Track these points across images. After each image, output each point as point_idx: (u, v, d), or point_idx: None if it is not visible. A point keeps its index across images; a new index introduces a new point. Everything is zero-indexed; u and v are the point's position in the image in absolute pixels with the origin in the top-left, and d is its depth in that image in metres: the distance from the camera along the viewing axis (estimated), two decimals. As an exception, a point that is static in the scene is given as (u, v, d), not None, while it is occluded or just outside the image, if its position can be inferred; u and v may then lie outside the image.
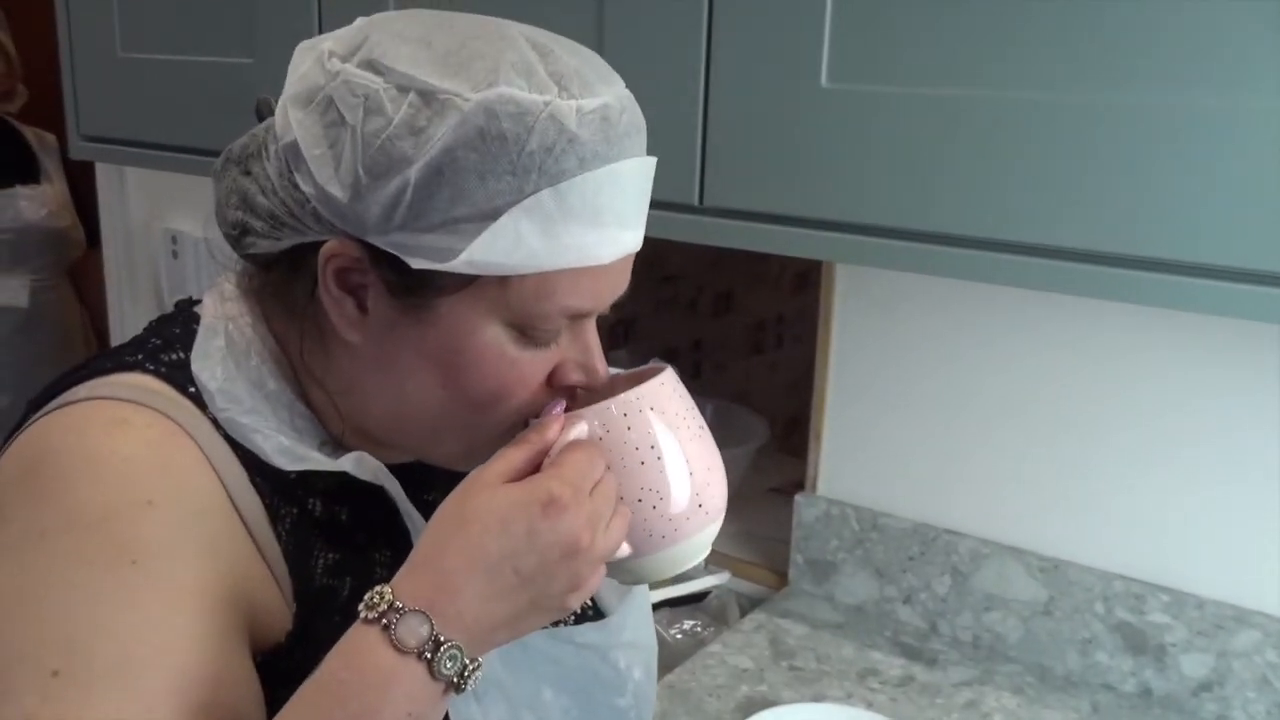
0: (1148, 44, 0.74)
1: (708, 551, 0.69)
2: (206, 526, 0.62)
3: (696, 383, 2.82)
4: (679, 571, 0.68)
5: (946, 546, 1.25)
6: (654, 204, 0.98)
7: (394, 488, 0.68)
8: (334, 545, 0.68)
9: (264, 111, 0.70)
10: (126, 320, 2.12)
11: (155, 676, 0.56)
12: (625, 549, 0.64)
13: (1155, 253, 0.76)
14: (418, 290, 0.62)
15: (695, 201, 0.95)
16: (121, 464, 0.60)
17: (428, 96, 0.59)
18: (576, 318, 0.65)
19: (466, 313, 0.63)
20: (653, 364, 0.72)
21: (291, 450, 0.65)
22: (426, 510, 0.72)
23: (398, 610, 0.56)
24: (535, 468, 0.61)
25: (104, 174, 2.06)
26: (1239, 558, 1.11)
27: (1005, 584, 1.22)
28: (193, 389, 0.66)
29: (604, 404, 0.65)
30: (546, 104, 0.59)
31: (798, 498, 1.36)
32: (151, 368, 0.66)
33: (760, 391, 3.06)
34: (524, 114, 0.58)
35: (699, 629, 1.35)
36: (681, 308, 2.85)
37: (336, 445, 0.70)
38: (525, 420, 0.67)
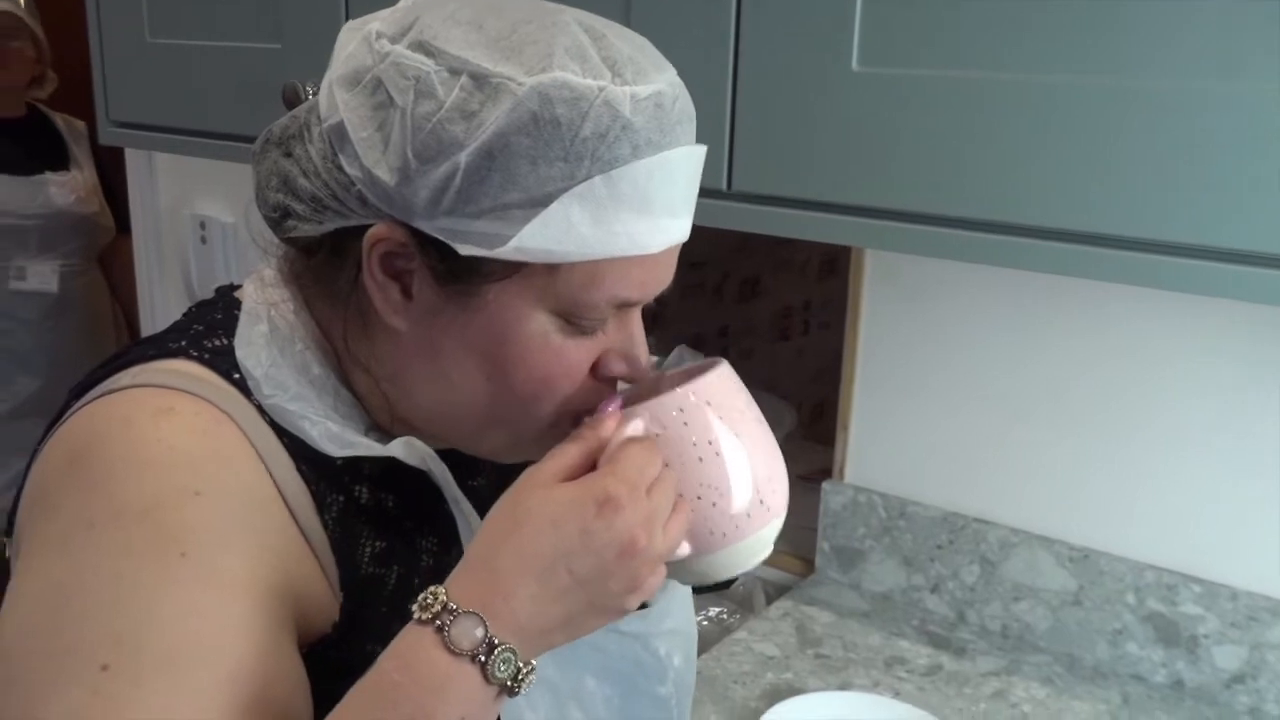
0: (1181, 28, 0.73)
1: (770, 549, 0.67)
2: (254, 517, 0.61)
3: (722, 369, 2.78)
4: (742, 571, 0.66)
5: (975, 535, 1.24)
6: (681, 189, 0.98)
7: (442, 473, 0.67)
8: (381, 533, 0.68)
9: (291, 97, 0.70)
10: (156, 305, 2.13)
11: (205, 670, 0.55)
12: (685, 548, 0.63)
13: (1188, 238, 0.75)
14: (464, 276, 0.62)
15: (724, 186, 0.94)
16: (169, 453, 0.59)
17: (480, 80, 0.58)
18: (623, 307, 0.65)
19: (513, 300, 0.62)
20: (708, 359, 0.70)
21: (339, 436, 0.65)
22: (473, 495, 0.71)
23: (451, 612, 0.55)
24: (590, 465, 0.60)
25: (133, 160, 2.07)
26: (1273, 549, 1.09)
27: (1034, 573, 1.21)
28: (236, 375, 0.65)
29: (659, 399, 0.63)
30: (601, 89, 0.58)
31: (825, 485, 1.35)
32: (195, 354, 0.65)
33: (787, 378, 3.05)
34: (579, 99, 0.58)
35: (725, 616, 1.35)
36: (708, 294, 2.84)
37: (381, 432, 0.70)
38: (571, 415, 0.66)
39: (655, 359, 2.04)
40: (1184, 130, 0.74)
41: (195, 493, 0.59)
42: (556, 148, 0.58)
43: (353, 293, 0.66)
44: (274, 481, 0.63)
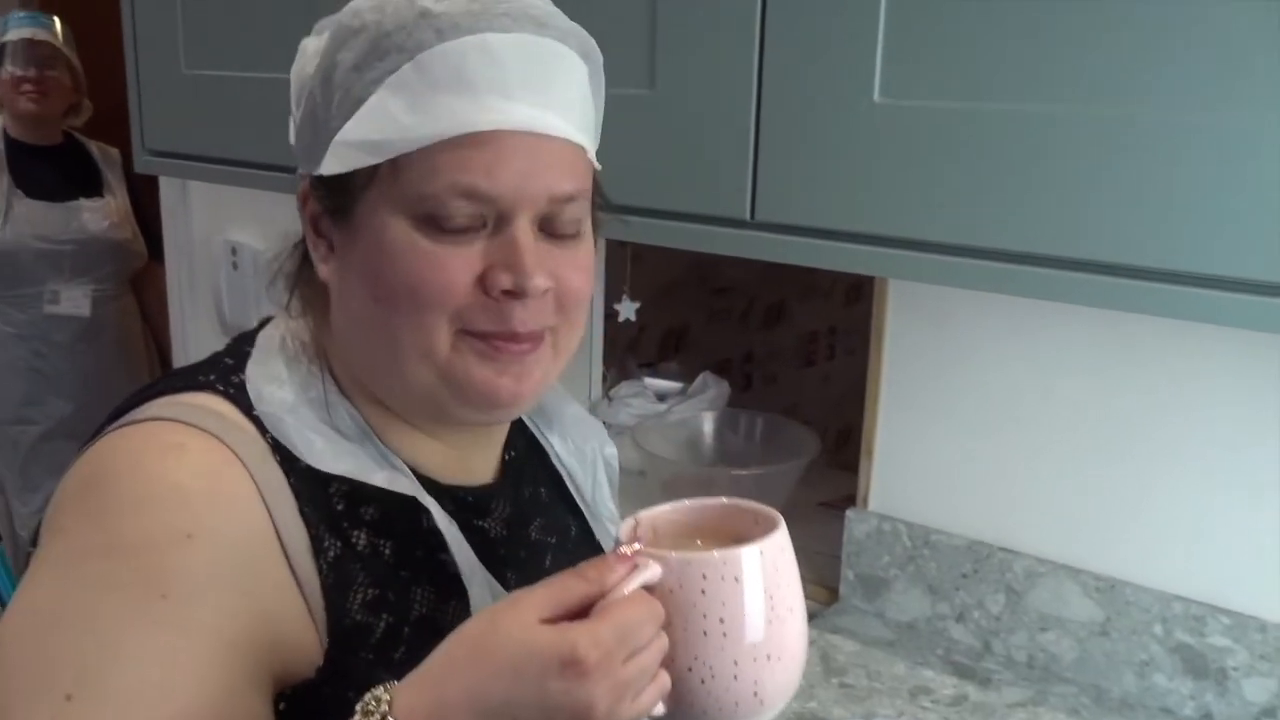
0: (1207, 59, 0.73)
1: None
2: (243, 562, 0.62)
3: (748, 395, 2.79)
4: None
5: (1000, 564, 1.23)
6: (705, 218, 1.00)
7: (429, 502, 0.68)
8: (374, 580, 0.68)
9: None
10: (188, 329, 2.16)
11: (160, 713, 0.56)
12: (660, 708, 0.59)
13: (1210, 268, 0.75)
14: (341, 200, 0.67)
15: (747, 216, 0.95)
16: (169, 493, 0.61)
17: (328, 25, 0.68)
18: (475, 199, 0.64)
19: (376, 213, 0.65)
20: (765, 508, 0.64)
21: (323, 454, 0.66)
22: (480, 535, 0.72)
23: None
24: (587, 607, 0.56)
25: (167, 187, 2.10)
26: (1304, 580, 1.08)
27: (1061, 603, 1.20)
28: (255, 412, 0.67)
29: (686, 557, 0.58)
30: None
31: (849, 513, 1.35)
32: (221, 389, 0.67)
33: (812, 403, 3.04)
34: (383, 5, 0.65)
35: (748, 643, 1.34)
36: (733, 319, 2.84)
37: (390, 451, 0.71)
38: (470, 334, 0.65)
39: (680, 385, 2.03)
40: (1202, 161, 0.74)
41: (187, 535, 0.60)
42: (370, 50, 0.64)
43: (314, 270, 0.71)
44: (273, 523, 0.64)
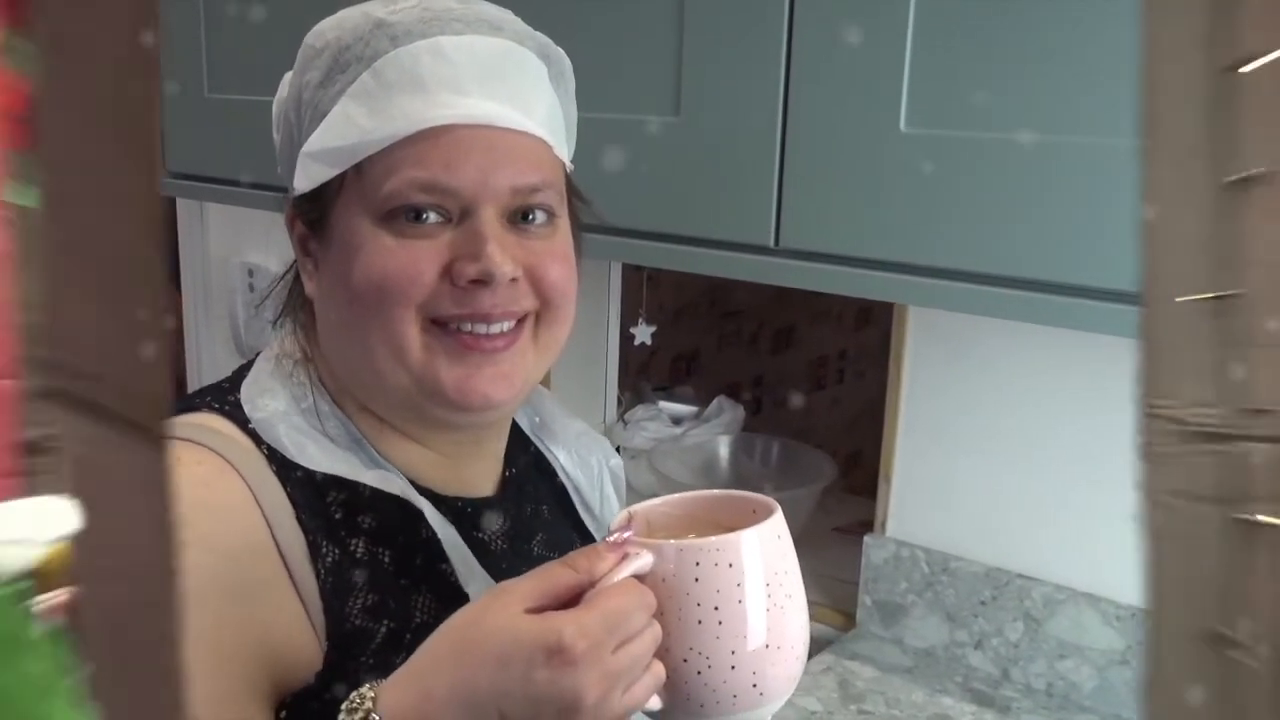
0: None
1: None
2: (239, 569, 0.62)
3: (757, 418, 2.79)
4: None
5: (1020, 591, 1.23)
6: (730, 245, 1.00)
7: (421, 503, 0.69)
8: (374, 587, 0.68)
9: None
10: (203, 349, 2.17)
11: None
12: (656, 701, 0.58)
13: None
14: (318, 210, 0.68)
15: (771, 243, 0.95)
16: None
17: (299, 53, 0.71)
18: (435, 192, 0.65)
19: (347, 217, 0.67)
20: (761, 497, 0.63)
21: (315, 455, 0.67)
22: (478, 549, 0.73)
23: None
24: (576, 597, 0.56)
25: (183, 208, 2.11)
26: (1326, 610, 1.08)
27: (1081, 631, 1.20)
28: (251, 425, 0.68)
29: (678, 545, 0.58)
30: (363, 11, 0.68)
31: (866, 539, 1.35)
32: (216, 406, 0.69)
33: (822, 427, 3.04)
34: (343, 22, 0.68)
35: (765, 669, 1.34)
36: (743, 343, 2.85)
37: (373, 459, 0.71)
38: (439, 325, 0.66)
39: (695, 409, 2.03)
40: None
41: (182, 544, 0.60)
42: (332, 65, 0.66)
43: (305, 291, 0.73)
44: (270, 531, 0.64)
